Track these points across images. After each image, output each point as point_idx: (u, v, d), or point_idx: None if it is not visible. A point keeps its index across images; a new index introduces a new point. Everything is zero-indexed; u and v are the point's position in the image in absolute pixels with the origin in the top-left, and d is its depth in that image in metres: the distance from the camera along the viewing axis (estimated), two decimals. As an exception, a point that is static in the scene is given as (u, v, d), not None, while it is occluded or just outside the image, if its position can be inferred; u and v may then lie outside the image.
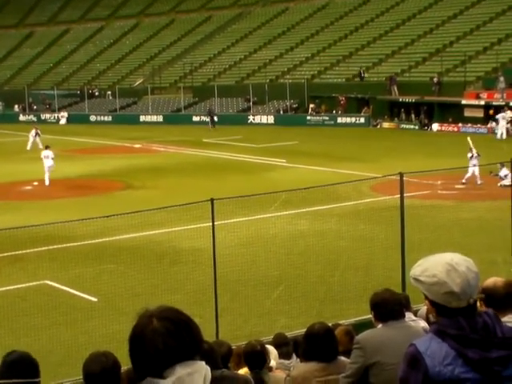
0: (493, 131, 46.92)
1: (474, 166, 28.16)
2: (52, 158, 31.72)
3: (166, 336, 2.80)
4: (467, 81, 53.13)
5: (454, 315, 3.15)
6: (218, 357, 5.08)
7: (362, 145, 43.46)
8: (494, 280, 4.85)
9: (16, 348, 4.88)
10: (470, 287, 3.15)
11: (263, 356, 6.80)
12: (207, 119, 58.81)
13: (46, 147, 32.71)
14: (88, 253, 19.55)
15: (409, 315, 6.98)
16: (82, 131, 55.77)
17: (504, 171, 27.64)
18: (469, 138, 29.70)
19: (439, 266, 3.18)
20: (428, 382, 3.13)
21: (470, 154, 28.96)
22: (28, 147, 44.49)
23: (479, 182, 28.48)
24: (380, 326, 5.71)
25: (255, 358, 6.73)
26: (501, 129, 45.75)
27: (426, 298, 3.23)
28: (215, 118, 58.43)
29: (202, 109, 62.67)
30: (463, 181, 28.57)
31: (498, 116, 46.21)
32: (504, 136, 45.15)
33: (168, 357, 2.80)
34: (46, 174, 31.46)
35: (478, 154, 28.69)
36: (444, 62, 55.66)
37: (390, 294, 5.79)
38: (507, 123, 45.93)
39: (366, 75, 59.44)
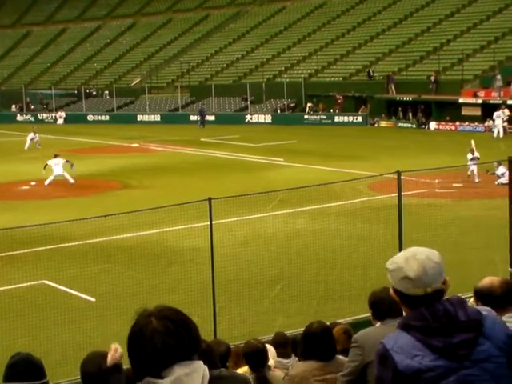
0: (490, 130, 46.93)
1: (474, 164, 28.38)
2: (62, 166, 31.53)
3: (165, 335, 2.80)
4: (464, 79, 53.17)
5: (415, 304, 3.22)
6: (216, 356, 5.08)
7: (360, 143, 43.45)
8: (490, 279, 4.84)
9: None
10: (426, 276, 3.21)
11: (265, 355, 6.82)
12: (198, 118, 59.08)
13: (56, 156, 32.20)
14: (86, 252, 19.54)
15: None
16: (80, 131, 55.69)
17: (501, 169, 27.66)
18: (472, 141, 29.91)
19: (403, 255, 3.31)
20: (399, 376, 3.18)
21: (470, 156, 29.13)
22: (26, 147, 44.60)
23: (477, 181, 28.62)
24: (378, 324, 5.71)
25: (258, 356, 6.74)
26: (497, 127, 45.75)
27: (393, 287, 3.31)
28: (206, 118, 58.62)
29: (200, 108, 62.68)
30: (469, 173, 28.85)
31: (494, 115, 46.21)
32: (501, 134, 45.16)
33: (167, 356, 2.80)
34: (51, 177, 31.22)
35: (477, 158, 28.90)
36: (441, 60, 55.70)
37: (387, 293, 5.78)
38: (503, 122, 45.92)
39: (375, 74, 59.12)
